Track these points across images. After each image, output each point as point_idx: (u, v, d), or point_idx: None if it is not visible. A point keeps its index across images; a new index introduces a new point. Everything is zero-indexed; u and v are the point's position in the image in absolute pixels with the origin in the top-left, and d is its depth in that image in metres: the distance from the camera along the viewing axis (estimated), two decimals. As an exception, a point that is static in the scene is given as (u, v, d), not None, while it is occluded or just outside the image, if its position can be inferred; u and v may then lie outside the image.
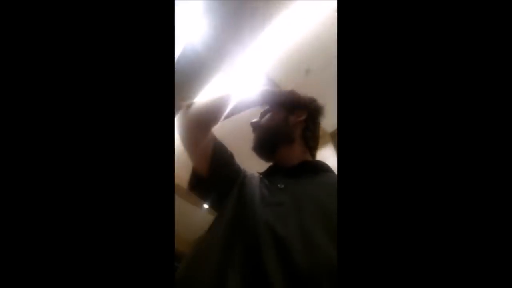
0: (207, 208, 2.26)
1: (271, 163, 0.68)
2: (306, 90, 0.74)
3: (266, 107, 0.72)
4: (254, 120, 0.72)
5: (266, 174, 0.63)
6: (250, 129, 0.72)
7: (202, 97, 0.67)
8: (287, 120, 0.67)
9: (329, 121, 0.70)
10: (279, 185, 0.53)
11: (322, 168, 0.62)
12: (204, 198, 0.64)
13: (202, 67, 1.59)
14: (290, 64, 1.80)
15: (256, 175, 0.63)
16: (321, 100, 0.74)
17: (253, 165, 0.68)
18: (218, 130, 0.65)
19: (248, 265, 0.38)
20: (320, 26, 1.55)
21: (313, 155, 0.70)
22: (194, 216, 2.39)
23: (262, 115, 0.72)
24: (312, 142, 0.69)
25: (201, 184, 0.60)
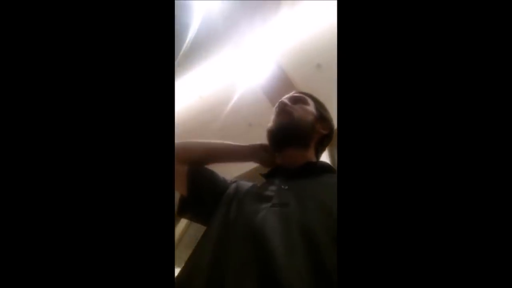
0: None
1: (272, 160, 0.68)
2: (316, 85, 0.74)
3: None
4: (285, 99, 0.68)
5: (268, 176, 0.63)
6: (249, 126, 0.70)
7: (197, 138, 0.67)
8: (314, 125, 0.66)
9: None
10: (282, 186, 0.53)
11: (326, 169, 0.61)
12: (193, 220, 0.66)
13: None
14: (302, 58, 1.78)
15: (250, 183, 0.62)
16: (329, 96, 0.73)
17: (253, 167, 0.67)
18: (219, 130, 0.64)
19: (250, 269, 0.37)
20: (335, 22, 1.53)
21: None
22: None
23: (293, 99, 0.69)
24: (319, 155, 0.70)
25: (187, 207, 0.62)
